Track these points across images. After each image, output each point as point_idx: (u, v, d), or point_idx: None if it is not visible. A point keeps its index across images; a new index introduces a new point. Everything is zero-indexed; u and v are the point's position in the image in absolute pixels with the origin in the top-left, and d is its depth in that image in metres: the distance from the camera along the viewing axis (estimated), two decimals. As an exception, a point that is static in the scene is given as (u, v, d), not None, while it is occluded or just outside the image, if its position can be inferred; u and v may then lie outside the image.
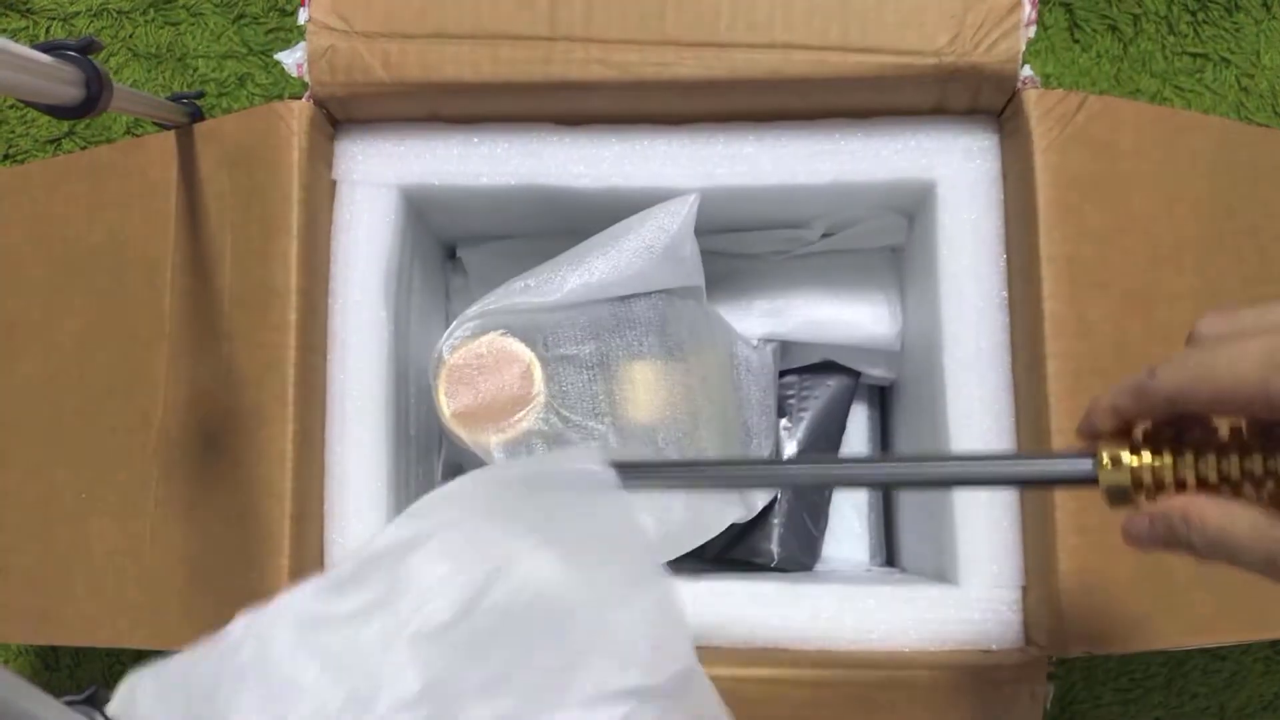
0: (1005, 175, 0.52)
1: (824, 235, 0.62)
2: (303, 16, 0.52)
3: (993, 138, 0.53)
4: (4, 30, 0.88)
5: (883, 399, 0.70)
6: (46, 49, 0.50)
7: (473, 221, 0.62)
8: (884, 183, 0.54)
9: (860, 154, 0.53)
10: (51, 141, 0.87)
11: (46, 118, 0.86)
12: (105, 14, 0.86)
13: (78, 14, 0.87)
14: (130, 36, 0.86)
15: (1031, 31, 0.50)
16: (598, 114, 0.54)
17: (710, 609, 0.50)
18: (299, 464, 0.49)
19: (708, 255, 0.58)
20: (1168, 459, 0.30)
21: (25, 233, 0.57)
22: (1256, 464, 0.29)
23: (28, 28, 0.87)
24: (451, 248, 0.67)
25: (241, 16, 0.86)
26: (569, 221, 0.57)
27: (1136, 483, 0.30)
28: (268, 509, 0.49)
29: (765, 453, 0.61)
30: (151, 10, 0.86)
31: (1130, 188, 0.50)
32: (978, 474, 0.33)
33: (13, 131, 0.87)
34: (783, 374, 0.66)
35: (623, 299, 0.55)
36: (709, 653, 0.49)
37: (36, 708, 0.50)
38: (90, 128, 0.87)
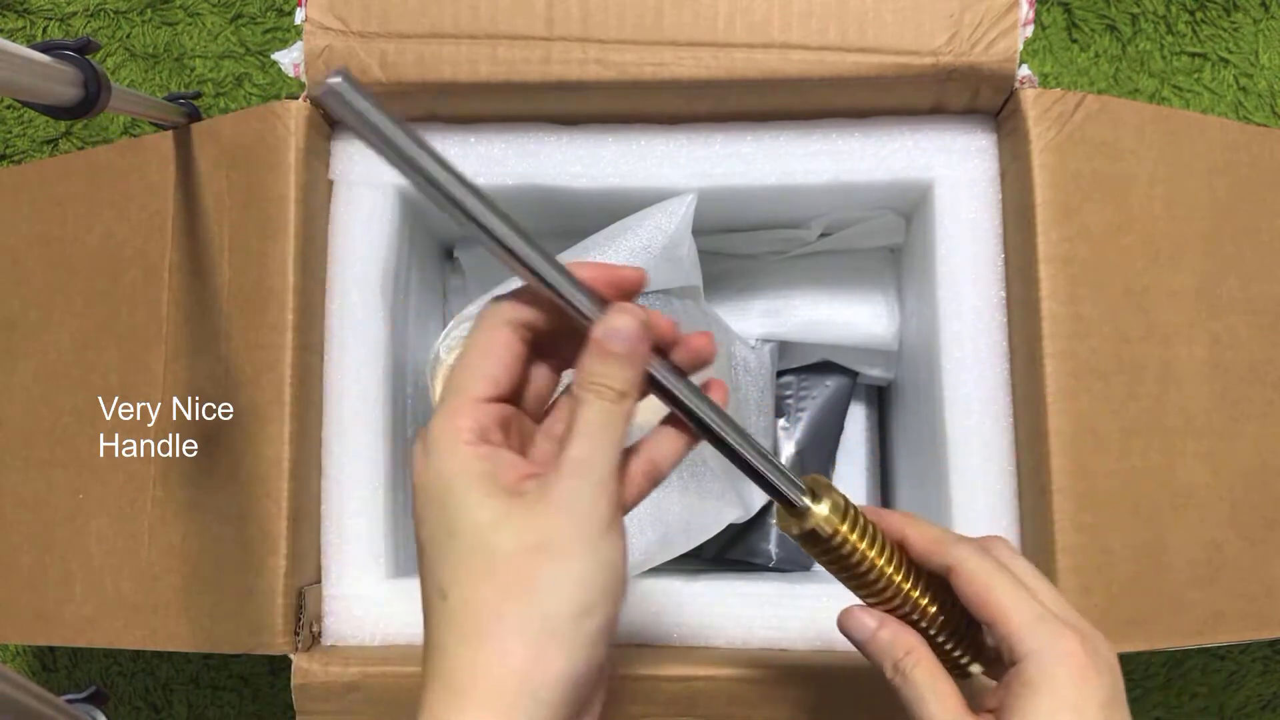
0: (1003, 175, 0.52)
1: (822, 235, 0.62)
2: (299, 16, 0.52)
3: (990, 137, 0.53)
4: (1, 30, 0.87)
5: (880, 399, 0.70)
6: (44, 49, 0.50)
7: (470, 221, 0.62)
8: (882, 182, 0.54)
9: (858, 154, 0.53)
10: (49, 142, 0.87)
11: (44, 118, 0.86)
12: (102, 14, 0.86)
13: (74, 14, 0.86)
14: (127, 36, 0.86)
15: (1029, 31, 0.50)
16: (595, 114, 0.54)
17: (708, 609, 0.50)
18: (296, 464, 0.49)
19: (705, 255, 0.58)
20: (856, 539, 0.34)
21: (23, 233, 0.57)
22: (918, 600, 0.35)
23: (24, 27, 0.87)
24: (449, 247, 0.67)
25: (239, 16, 0.86)
26: (566, 221, 0.57)
27: (819, 537, 0.34)
28: (265, 509, 0.49)
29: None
30: (149, 10, 0.86)
31: (1129, 187, 0.50)
32: (740, 450, 0.33)
33: (10, 132, 0.87)
34: (781, 374, 0.66)
35: (620, 299, 0.54)
36: (707, 653, 0.49)
37: (39, 705, 0.50)
38: (87, 128, 0.87)
